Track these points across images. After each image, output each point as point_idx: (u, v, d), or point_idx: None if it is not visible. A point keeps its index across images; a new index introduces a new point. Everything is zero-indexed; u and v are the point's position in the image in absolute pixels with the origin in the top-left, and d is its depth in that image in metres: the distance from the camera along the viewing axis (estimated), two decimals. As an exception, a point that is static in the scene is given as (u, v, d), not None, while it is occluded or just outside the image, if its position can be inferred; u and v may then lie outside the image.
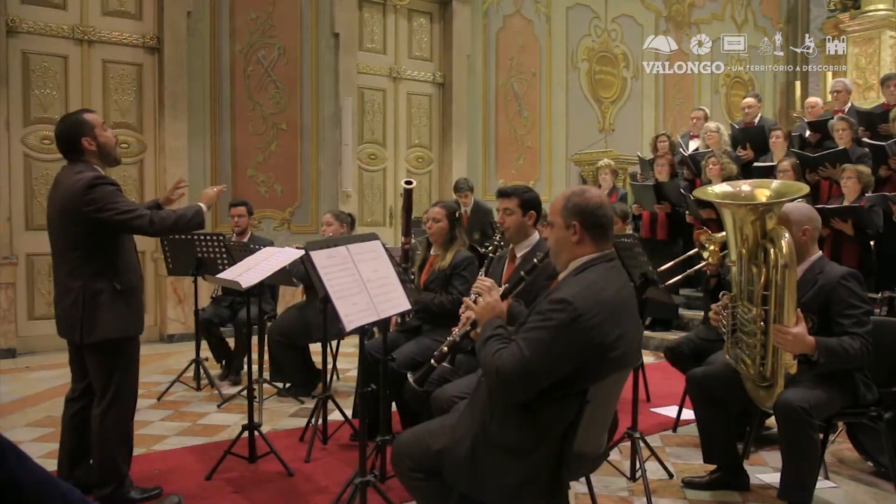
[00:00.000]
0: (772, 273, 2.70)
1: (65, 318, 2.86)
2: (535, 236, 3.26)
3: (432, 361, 2.53)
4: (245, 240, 5.15)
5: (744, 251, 2.81)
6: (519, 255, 3.23)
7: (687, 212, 6.40)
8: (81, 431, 2.94)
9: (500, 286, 2.80)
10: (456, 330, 2.59)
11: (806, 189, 2.90)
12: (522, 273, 2.44)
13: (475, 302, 2.33)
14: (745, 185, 2.95)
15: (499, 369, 1.99)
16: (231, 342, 5.27)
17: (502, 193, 3.22)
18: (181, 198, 3.31)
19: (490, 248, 3.21)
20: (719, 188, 3.05)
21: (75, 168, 2.83)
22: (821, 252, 3.01)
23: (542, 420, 2.02)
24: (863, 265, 5.04)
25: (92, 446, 2.89)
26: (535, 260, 2.43)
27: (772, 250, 2.70)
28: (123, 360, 2.90)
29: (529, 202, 3.18)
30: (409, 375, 2.59)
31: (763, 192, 2.85)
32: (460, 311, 2.88)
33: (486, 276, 3.03)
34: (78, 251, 2.81)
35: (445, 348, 2.53)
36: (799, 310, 2.72)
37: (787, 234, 2.71)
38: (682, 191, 6.46)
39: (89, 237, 2.79)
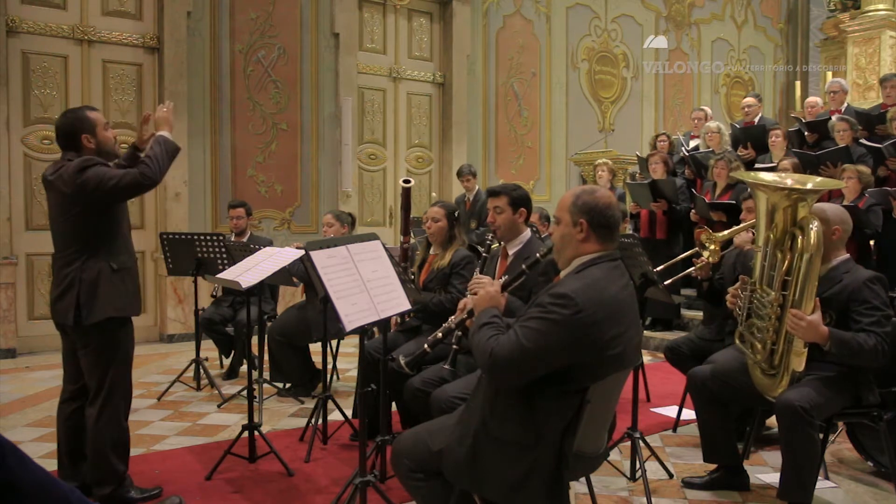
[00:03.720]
0: (796, 260, 2.71)
1: (61, 303, 2.85)
2: (527, 233, 3.27)
3: (426, 346, 2.53)
4: (244, 240, 5.15)
5: (771, 237, 2.82)
6: (511, 252, 3.24)
7: (692, 210, 6.38)
8: (78, 432, 2.93)
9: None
10: (452, 318, 2.60)
11: (843, 185, 2.91)
12: (524, 266, 2.44)
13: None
14: (788, 179, 2.97)
15: (493, 351, 2.00)
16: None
17: (492, 192, 3.26)
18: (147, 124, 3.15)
19: (484, 247, 3.22)
20: (761, 173, 3.05)
21: (64, 159, 2.84)
22: (848, 255, 3.01)
23: (542, 416, 2.02)
24: (860, 263, 5.03)
25: (87, 448, 2.89)
26: (537, 255, 2.43)
27: (800, 238, 2.71)
28: (117, 353, 2.89)
29: (519, 199, 3.20)
30: (400, 357, 2.59)
31: (800, 184, 2.88)
32: (459, 305, 2.89)
33: (481, 274, 3.05)
34: (77, 236, 2.82)
35: (440, 334, 2.53)
36: (818, 299, 2.72)
37: (816, 224, 2.72)
38: (686, 190, 6.45)
39: (87, 219, 2.80)
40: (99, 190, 2.74)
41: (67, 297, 2.82)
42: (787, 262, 2.74)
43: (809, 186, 2.82)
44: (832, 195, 5.76)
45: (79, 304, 2.79)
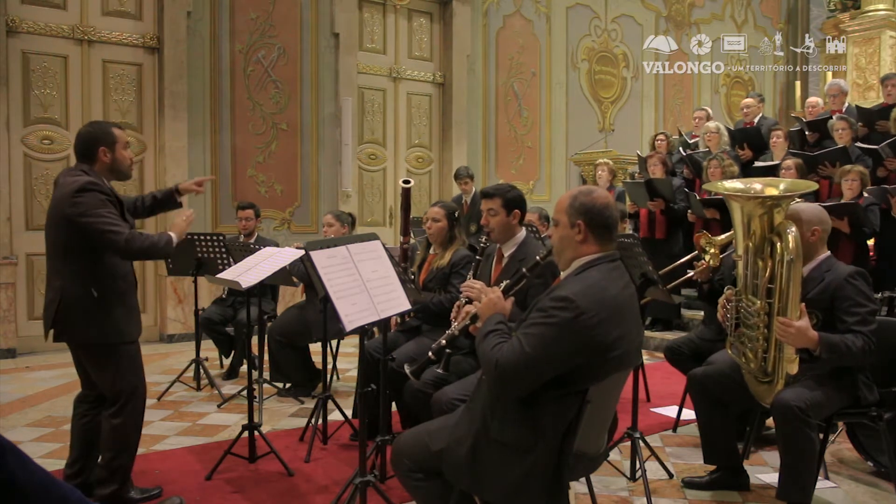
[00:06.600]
0: (777, 267, 2.71)
1: (46, 312, 2.86)
2: (522, 234, 3.23)
3: (430, 354, 2.53)
4: (252, 241, 5.15)
5: (750, 245, 2.82)
6: (506, 254, 3.22)
7: (689, 211, 6.39)
8: (92, 431, 2.93)
9: (489, 287, 2.79)
10: (455, 324, 2.59)
11: (815, 186, 2.91)
12: (524, 270, 2.43)
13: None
14: (756, 184, 2.96)
15: (498, 362, 1.99)
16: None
17: (485, 194, 3.19)
18: (198, 193, 3.28)
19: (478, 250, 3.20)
20: (730, 183, 3.06)
21: (76, 171, 2.84)
22: (829, 252, 3.01)
23: (543, 418, 2.02)
24: (858, 263, 5.04)
25: (101, 447, 2.89)
26: (537, 258, 2.43)
27: (778, 244, 2.71)
28: (119, 366, 2.86)
29: (513, 201, 3.14)
30: (405, 367, 2.59)
31: (772, 189, 2.87)
32: (452, 314, 2.88)
33: (475, 277, 3.02)
34: (60, 251, 2.80)
35: (444, 341, 2.53)
36: (803, 304, 2.72)
37: (793, 229, 2.72)
38: (685, 189, 6.46)
39: (69, 240, 2.77)
40: (85, 217, 2.71)
41: (48, 311, 2.83)
42: (768, 270, 2.74)
43: (781, 190, 2.82)
44: (832, 194, 5.78)
45: (54, 321, 2.79)
